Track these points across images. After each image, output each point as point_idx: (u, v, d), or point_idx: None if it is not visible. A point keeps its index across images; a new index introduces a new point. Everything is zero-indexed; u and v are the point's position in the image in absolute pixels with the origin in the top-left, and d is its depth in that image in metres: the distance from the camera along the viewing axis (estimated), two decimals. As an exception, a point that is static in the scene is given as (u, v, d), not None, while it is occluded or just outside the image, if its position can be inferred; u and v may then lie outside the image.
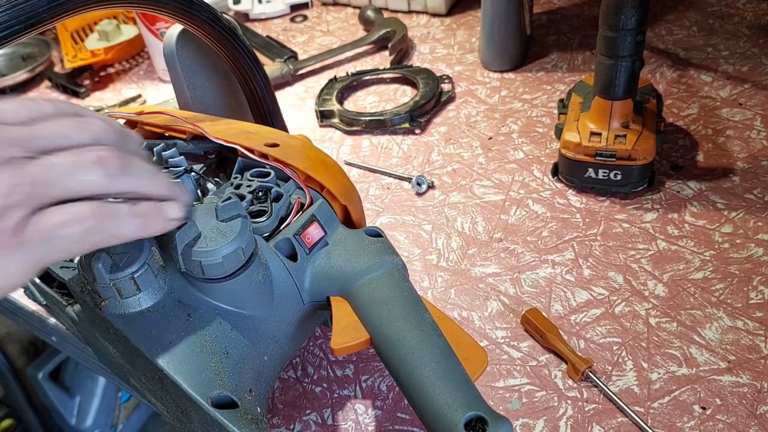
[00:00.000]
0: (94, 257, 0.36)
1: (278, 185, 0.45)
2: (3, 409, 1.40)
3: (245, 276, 0.38)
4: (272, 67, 0.90)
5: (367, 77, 0.88)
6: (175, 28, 0.58)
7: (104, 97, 0.96)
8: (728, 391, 0.46)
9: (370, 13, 1.00)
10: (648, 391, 0.47)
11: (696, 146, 0.68)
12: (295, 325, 0.43)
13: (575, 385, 0.48)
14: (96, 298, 0.38)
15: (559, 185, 0.66)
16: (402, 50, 0.92)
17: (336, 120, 0.81)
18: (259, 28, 1.06)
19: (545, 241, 0.60)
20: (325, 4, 1.12)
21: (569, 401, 0.47)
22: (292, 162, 0.46)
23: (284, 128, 0.65)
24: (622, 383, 0.48)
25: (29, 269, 0.29)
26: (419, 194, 0.68)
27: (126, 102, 0.92)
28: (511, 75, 0.85)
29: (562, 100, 0.69)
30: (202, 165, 0.51)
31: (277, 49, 0.97)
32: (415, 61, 0.92)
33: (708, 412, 0.45)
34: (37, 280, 0.50)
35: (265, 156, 0.46)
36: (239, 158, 0.47)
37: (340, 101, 0.84)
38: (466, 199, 0.67)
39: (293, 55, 0.95)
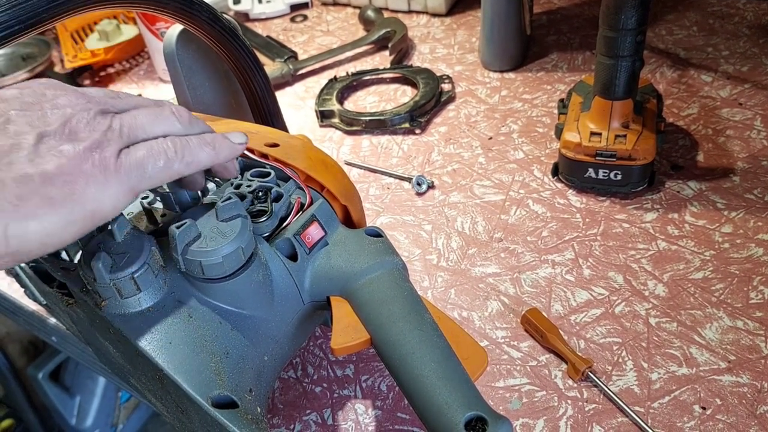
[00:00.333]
0: (94, 257, 0.36)
1: (278, 185, 0.45)
2: (3, 409, 1.40)
3: (245, 276, 0.38)
4: (272, 67, 0.90)
5: (367, 77, 0.88)
6: (175, 28, 0.58)
7: (104, 97, 0.96)
8: (728, 391, 0.46)
9: (370, 13, 1.00)
10: (648, 391, 0.47)
11: (696, 146, 0.68)
12: (296, 325, 0.43)
13: (575, 385, 0.48)
14: (96, 298, 0.38)
15: (559, 185, 0.66)
16: (402, 50, 0.92)
17: (336, 120, 0.81)
18: (259, 28, 1.06)
19: (545, 241, 0.60)
20: (325, 4, 1.12)
21: (569, 401, 0.47)
22: (293, 162, 0.46)
23: (284, 128, 0.65)
24: (622, 383, 0.48)
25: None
26: (419, 194, 0.68)
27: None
28: (511, 75, 0.85)
29: (562, 100, 0.69)
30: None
31: (277, 49, 0.97)
32: (415, 61, 0.92)
33: (708, 412, 0.45)
34: (38, 280, 0.50)
35: (265, 156, 0.46)
36: (239, 158, 0.47)
37: (340, 101, 0.84)
38: (466, 199, 0.67)
39: (293, 55, 0.95)
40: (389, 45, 0.91)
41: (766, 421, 0.44)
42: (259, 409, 0.37)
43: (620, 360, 0.49)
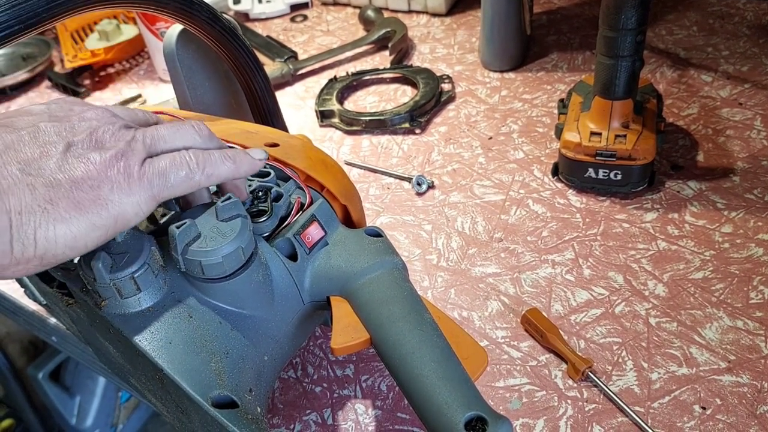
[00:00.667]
0: (94, 257, 0.36)
1: (278, 185, 0.45)
2: (3, 409, 1.40)
3: (245, 276, 0.38)
4: (272, 67, 0.90)
5: (367, 77, 0.88)
6: (175, 28, 0.58)
7: (104, 97, 0.96)
8: (728, 391, 0.46)
9: (370, 13, 1.00)
10: (648, 391, 0.47)
11: (696, 146, 0.68)
12: (295, 324, 0.43)
13: (575, 385, 0.48)
14: (96, 297, 0.38)
15: (559, 185, 0.66)
16: (402, 50, 0.92)
17: (336, 120, 0.81)
18: (259, 28, 1.06)
19: (545, 241, 0.60)
20: (325, 4, 1.12)
21: (569, 401, 0.47)
22: (293, 162, 0.46)
23: (284, 128, 0.65)
24: (622, 383, 0.48)
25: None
26: (419, 194, 0.68)
27: (126, 102, 0.92)
28: (511, 75, 0.85)
29: (562, 100, 0.69)
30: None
31: (277, 49, 0.97)
32: (415, 60, 0.92)
33: (708, 412, 0.45)
34: (38, 280, 0.50)
35: (265, 156, 0.46)
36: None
37: (340, 101, 0.84)
38: (466, 199, 0.67)
39: (293, 55, 0.95)
40: (389, 45, 0.91)
41: (766, 421, 0.44)
42: (259, 409, 0.37)
43: (620, 360, 0.49)
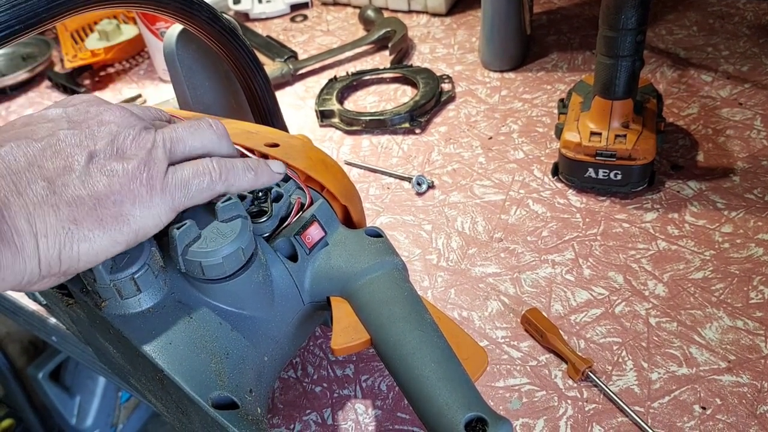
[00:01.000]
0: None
1: (278, 185, 0.45)
2: (3, 409, 1.40)
3: (245, 276, 0.38)
4: (272, 67, 0.90)
5: (367, 77, 0.88)
6: (175, 28, 0.58)
7: (104, 97, 0.95)
8: (728, 391, 0.46)
9: (370, 13, 1.00)
10: (648, 391, 0.47)
11: (696, 146, 0.68)
12: (296, 325, 0.43)
13: (575, 385, 0.48)
14: (96, 298, 0.38)
15: (559, 185, 0.66)
16: (402, 50, 0.92)
17: (336, 120, 0.81)
18: (259, 28, 1.06)
19: (545, 240, 0.60)
20: (325, 4, 1.12)
21: (569, 401, 0.47)
22: (293, 162, 0.46)
23: (284, 128, 0.65)
24: (622, 383, 0.48)
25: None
26: (419, 194, 0.68)
27: (126, 102, 0.92)
28: (511, 75, 0.85)
29: (562, 100, 0.69)
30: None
31: (277, 48, 0.97)
32: (415, 60, 0.92)
33: (708, 411, 0.45)
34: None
35: (265, 156, 0.46)
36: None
37: (340, 101, 0.84)
38: (466, 199, 0.67)
39: (293, 55, 0.95)
40: (389, 45, 0.91)
41: (766, 421, 0.44)
42: (259, 410, 0.37)
43: (620, 360, 0.49)
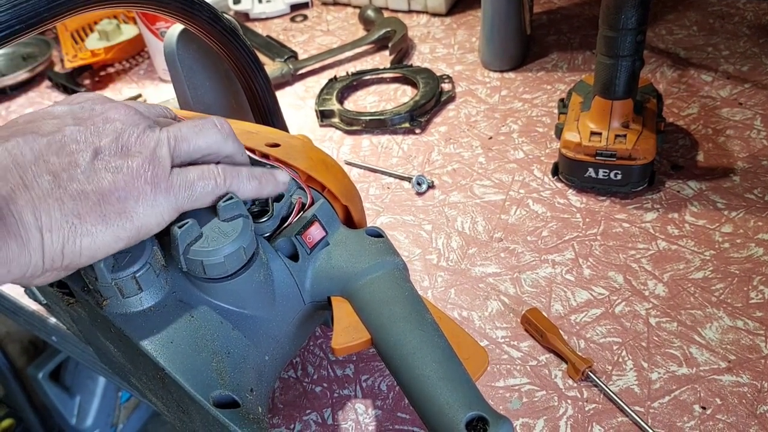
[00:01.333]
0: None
1: (279, 185, 0.45)
2: (3, 409, 1.40)
3: (247, 276, 0.38)
4: (272, 67, 0.90)
5: (367, 77, 0.88)
6: (176, 28, 0.58)
7: (104, 97, 0.96)
8: (728, 391, 0.46)
9: (370, 13, 1.00)
10: (648, 391, 0.47)
11: (696, 146, 0.68)
12: (296, 324, 0.43)
13: (575, 385, 0.48)
14: (97, 297, 0.38)
15: (559, 185, 0.66)
16: (402, 50, 0.92)
17: (336, 120, 0.81)
18: (259, 28, 1.06)
19: (545, 240, 0.60)
20: (325, 4, 1.12)
21: (569, 401, 0.47)
22: (293, 162, 0.46)
23: (284, 128, 0.65)
24: (622, 383, 0.48)
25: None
26: (419, 194, 0.68)
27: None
28: (511, 75, 0.85)
29: (562, 100, 0.69)
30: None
31: (277, 48, 0.97)
32: (416, 60, 0.92)
33: (708, 411, 0.45)
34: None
35: (266, 156, 0.46)
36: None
37: (340, 101, 0.84)
38: (466, 199, 0.67)
39: (293, 55, 0.95)
40: (389, 45, 0.91)
41: (766, 420, 0.44)
42: (260, 409, 0.37)
43: (620, 360, 0.49)
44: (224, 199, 0.38)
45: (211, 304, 0.39)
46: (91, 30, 1.06)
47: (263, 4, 1.10)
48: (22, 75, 1.00)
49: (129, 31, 1.03)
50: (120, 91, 0.97)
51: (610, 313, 0.53)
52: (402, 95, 0.85)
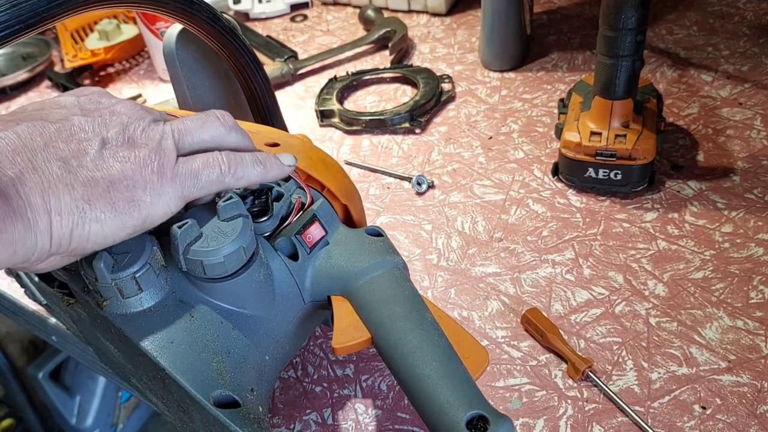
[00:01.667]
0: (95, 257, 0.36)
1: (279, 185, 0.45)
2: (3, 409, 1.40)
3: (246, 275, 0.38)
4: (272, 67, 0.90)
5: (367, 77, 0.88)
6: (175, 28, 0.58)
7: (104, 97, 0.95)
8: (728, 391, 0.46)
9: (370, 13, 1.00)
10: (648, 391, 0.47)
11: (696, 146, 0.68)
12: (296, 324, 0.43)
13: (575, 385, 0.48)
14: (97, 297, 0.38)
15: (559, 185, 0.66)
16: (402, 50, 0.92)
17: (336, 119, 0.81)
18: (259, 28, 1.06)
19: (545, 240, 0.60)
20: (325, 4, 1.12)
21: (569, 401, 0.47)
22: (293, 162, 0.46)
23: (284, 128, 0.65)
24: (622, 383, 0.48)
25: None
26: (419, 194, 0.68)
27: (126, 102, 0.92)
28: (511, 74, 0.85)
29: (562, 100, 0.69)
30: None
31: (277, 48, 0.97)
32: (416, 60, 0.92)
33: (708, 411, 0.45)
34: (37, 279, 0.50)
35: (265, 156, 0.46)
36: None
37: (340, 101, 0.84)
38: (466, 199, 0.67)
39: (293, 55, 0.95)
40: (389, 45, 0.91)
41: (766, 420, 0.44)
42: (260, 409, 0.37)
43: (620, 360, 0.49)
44: (224, 198, 0.38)
45: (211, 304, 0.39)
46: (91, 30, 1.06)
47: (263, 4, 1.10)
48: (22, 75, 1.00)
49: (129, 31, 1.03)
50: (120, 90, 0.97)
51: (610, 313, 0.53)
52: (402, 95, 0.85)
